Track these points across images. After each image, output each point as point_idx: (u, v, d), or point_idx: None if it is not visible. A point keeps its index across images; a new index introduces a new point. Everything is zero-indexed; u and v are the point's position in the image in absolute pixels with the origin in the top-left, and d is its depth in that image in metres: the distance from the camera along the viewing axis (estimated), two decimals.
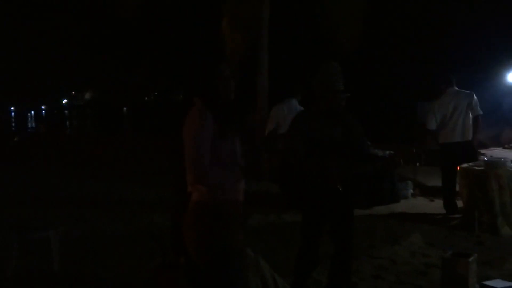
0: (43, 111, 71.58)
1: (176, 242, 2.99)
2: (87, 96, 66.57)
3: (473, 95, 6.86)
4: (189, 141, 2.63)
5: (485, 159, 6.51)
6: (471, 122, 6.82)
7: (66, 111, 68.92)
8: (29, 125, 44.29)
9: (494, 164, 6.21)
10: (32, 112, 66.89)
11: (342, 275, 3.86)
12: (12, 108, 55.42)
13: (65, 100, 77.52)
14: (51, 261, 4.85)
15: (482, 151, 7.45)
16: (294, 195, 4.13)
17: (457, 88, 6.95)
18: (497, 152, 7.47)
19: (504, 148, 7.88)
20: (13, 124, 44.32)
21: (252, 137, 3.10)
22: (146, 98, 58.76)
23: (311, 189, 3.81)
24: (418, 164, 8.83)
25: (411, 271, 4.81)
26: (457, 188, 6.74)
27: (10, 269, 4.73)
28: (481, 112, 6.86)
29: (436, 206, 7.34)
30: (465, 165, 6.42)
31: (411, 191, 8.08)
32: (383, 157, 5.97)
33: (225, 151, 2.68)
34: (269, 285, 3.62)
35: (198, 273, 2.73)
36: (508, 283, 4.14)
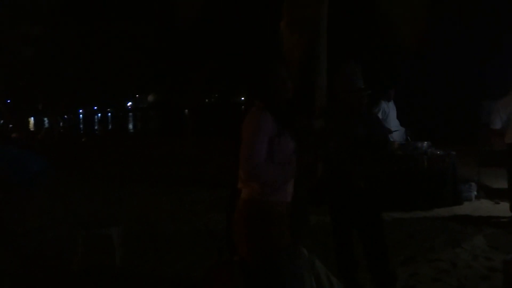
0: (109, 114, 74.33)
1: (231, 240, 3.03)
2: (150, 98, 68.43)
3: None
4: (246, 139, 2.66)
5: None
6: None
7: (130, 114, 71.24)
8: (96, 128, 46.25)
9: None
10: (99, 114, 69.67)
11: (382, 277, 3.78)
12: (80, 110, 57.98)
13: (129, 103, 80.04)
14: (114, 256, 5.05)
15: None
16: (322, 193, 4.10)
17: None
18: None
19: None
20: (81, 126, 46.38)
21: (309, 137, 3.09)
22: (206, 100, 59.77)
23: (335, 188, 3.80)
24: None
25: (473, 275, 4.65)
26: None
27: (76, 263, 4.98)
28: None
29: (502, 209, 7.05)
30: None
31: (475, 193, 7.79)
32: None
33: (280, 150, 2.70)
34: (324, 285, 3.60)
35: (249, 271, 2.76)
36: None
